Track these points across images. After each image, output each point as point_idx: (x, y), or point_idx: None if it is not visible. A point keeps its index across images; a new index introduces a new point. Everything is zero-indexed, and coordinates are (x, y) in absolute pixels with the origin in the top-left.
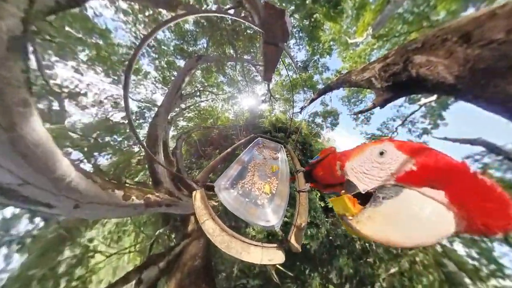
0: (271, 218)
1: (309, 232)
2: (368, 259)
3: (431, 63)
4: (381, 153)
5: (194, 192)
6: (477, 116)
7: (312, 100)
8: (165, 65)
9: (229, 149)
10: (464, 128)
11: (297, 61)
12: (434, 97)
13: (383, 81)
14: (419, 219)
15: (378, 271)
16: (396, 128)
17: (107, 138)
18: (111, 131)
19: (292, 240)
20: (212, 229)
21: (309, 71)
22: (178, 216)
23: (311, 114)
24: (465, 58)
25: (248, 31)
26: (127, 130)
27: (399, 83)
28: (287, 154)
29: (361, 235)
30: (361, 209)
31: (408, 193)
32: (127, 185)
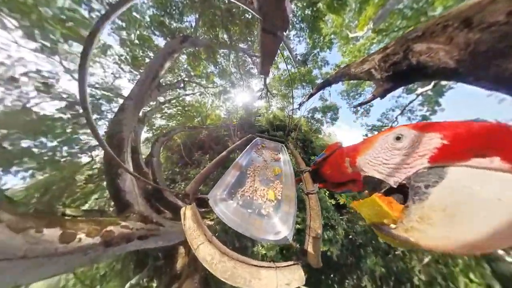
0: (281, 228)
1: (325, 236)
2: (396, 252)
3: (431, 50)
4: (397, 138)
5: (182, 209)
6: (475, 99)
7: (311, 95)
8: (137, 41)
9: (224, 153)
10: (464, 111)
11: (296, 54)
12: (431, 85)
13: (383, 72)
14: (491, 200)
15: (411, 263)
16: (396, 117)
17: (26, 143)
18: (35, 131)
19: (310, 250)
20: (210, 255)
21: (308, 65)
22: (160, 252)
23: (310, 110)
24: (466, 42)
25: (246, 15)
26: (68, 129)
27: (399, 72)
28: (289, 154)
29: (420, 247)
30: (403, 210)
31: (457, 171)
32: (67, 217)
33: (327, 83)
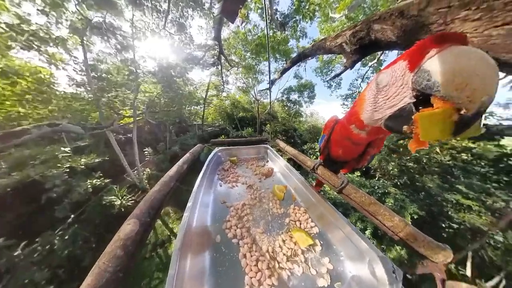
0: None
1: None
2: None
3: (383, 29)
4: (378, 82)
5: None
6: None
7: (285, 70)
8: None
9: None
10: None
11: (276, 11)
12: (375, 60)
13: (352, 45)
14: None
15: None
16: (360, 84)
17: None
18: None
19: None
20: None
21: (286, 32)
22: None
23: (285, 90)
24: (401, 25)
25: None
26: None
27: (364, 45)
28: (276, 151)
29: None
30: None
31: (429, 62)
32: None
33: (303, 56)
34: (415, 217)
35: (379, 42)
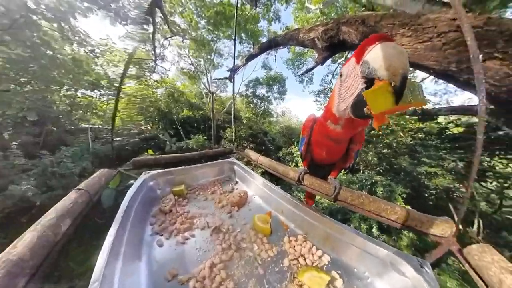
0: None
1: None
2: None
3: (350, 32)
4: (340, 75)
5: None
6: None
7: (252, 57)
8: None
9: None
10: None
11: None
12: (343, 58)
13: (323, 42)
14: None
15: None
16: (331, 80)
17: None
18: None
19: None
20: None
21: (258, 9)
22: None
23: (250, 82)
24: (362, 31)
25: None
26: None
27: (333, 44)
28: (244, 163)
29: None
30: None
31: (368, 56)
32: None
33: (275, 43)
34: (404, 196)
35: (346, 42)
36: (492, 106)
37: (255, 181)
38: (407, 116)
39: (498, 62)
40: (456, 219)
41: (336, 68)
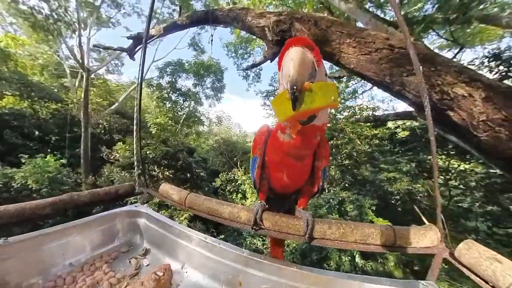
0: None
1: None
2: None
3: (302, 31)
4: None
5: None
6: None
7: (177, 27)
8: None
9: None
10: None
11: None
12: None
13: (274, 35)
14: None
15: None
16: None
17: None
18: None
19: None
20: None
21: None
22: None
23: (165, 65)
24: (314, 34)
25: None
26: None
27: (285, 40)
28: (159, 208)
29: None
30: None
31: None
32: None
33: (213, 18)
34: (373, 208)
35: None
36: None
37: (182, 240)
38: (362, 123)
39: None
40: (424, 220)
41: None
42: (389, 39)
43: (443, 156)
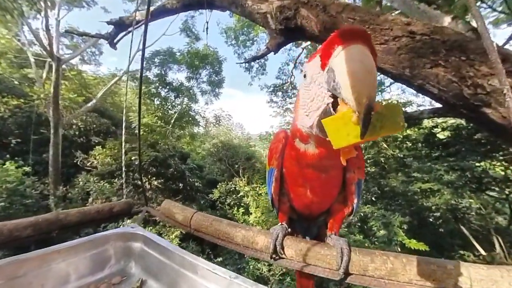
0: None
1: None
2: None
3: (309, 18)
4: (304, 76)
5: None
6: None
7: (164, 12)
8: None
9: None
10: None
11: None
12: (309, 42)
13: (277, 23)
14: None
15: None
16: (292, 71)
17: None
18: None
19: None
20: None
21: None
22: None
23: (156, 55)
24: (323, 21)
25: None
26: None
27: (289, 28)
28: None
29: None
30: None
31: (335, 61)
32: None
33: (209, 1)
34: (405, 227)
35: (304, 31)
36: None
37: (185, 271)
38: None
39: (442, 69)
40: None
41: (300, 54)
42: (410, 24)
43: (502, 162)
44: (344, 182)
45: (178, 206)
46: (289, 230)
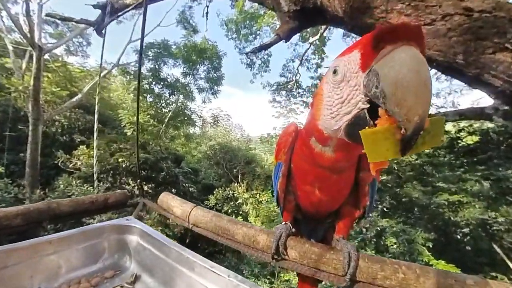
0: None
1: None
2: None
3: None
4: (334, 72)
5: None
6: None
7: None
8: None
9: None
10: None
11: None
12: (318, 35)
13: (291, 3)
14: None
15: None
16: (297, 69)
17: None
18: None
19: None
20: None
21: None
22: None
23: (149, 48)
24: (349, 0)
25: None
26: None
27: (306, 10)
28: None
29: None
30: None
31: (380, 64)
32: None
33: None
34: (430, 245)
35: (325, 12)
36: (506, 107)
37: (181, 267)
38: None
39: (509, 55)
40: None
41: (306, 51)
42: None
43: None
44: (356, 182)
45: (177, 199)
46: (294, 230)
